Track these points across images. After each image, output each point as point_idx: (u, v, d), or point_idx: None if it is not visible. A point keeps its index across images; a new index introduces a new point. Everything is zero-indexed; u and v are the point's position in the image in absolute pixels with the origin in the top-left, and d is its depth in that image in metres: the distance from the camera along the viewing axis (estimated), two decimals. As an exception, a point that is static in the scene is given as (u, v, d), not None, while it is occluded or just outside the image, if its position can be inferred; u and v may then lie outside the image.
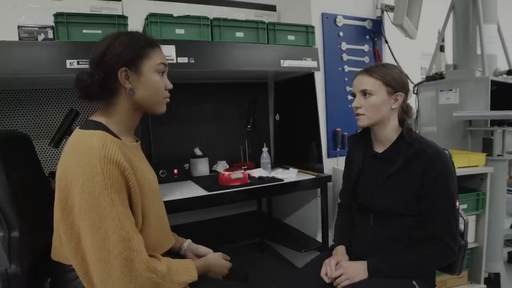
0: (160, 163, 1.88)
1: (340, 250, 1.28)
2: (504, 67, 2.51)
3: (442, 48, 2.72)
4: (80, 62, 1.35)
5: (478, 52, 2.36)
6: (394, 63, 2.26)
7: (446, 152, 1.19)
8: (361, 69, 1.23)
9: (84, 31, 1.39)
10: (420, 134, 1.23)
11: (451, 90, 2.28)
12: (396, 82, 1.17)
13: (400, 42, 2.37)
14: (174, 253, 1.18)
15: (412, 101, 2.18)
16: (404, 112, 1.23)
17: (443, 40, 2.69)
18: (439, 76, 2.43)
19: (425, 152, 1.12)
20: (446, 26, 2.58)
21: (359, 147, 1.32)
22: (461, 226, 1.20)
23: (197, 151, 2.03)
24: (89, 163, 0.80)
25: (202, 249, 1.19)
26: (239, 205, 2.46)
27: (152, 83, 0.95)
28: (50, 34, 1.39)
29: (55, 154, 1.81)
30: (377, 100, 1.16)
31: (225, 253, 1.19)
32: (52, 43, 1.35)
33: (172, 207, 1.45)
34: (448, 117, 2.26)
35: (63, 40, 1.36)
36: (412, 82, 2.23)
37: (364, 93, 1.18)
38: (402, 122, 1.21)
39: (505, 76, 2.41)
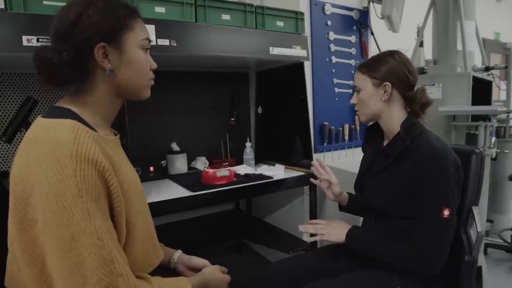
0: (134, 160, 1.66)
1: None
2: (478, 63, 2.55)
3: (421, 44, 2.72)
4: (40, 40, 1.12)
5: (459, 48, 2.37)
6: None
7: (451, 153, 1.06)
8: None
9: (45, 2, 1.16)
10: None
11: (433, 85, 2.27)
12: (382, 72, 1.08)
13: (382, 35, 2.32)
14: (163, 266, 1.00)
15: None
16: (409, 101, 1.13)
17: (422, 36, 2.69)
18: (421, 71, 2.41)
19: (419, 150, 1.01)
20: (426, 22, 2.57)
21: (372, 140, 1.24)
22: (472, 238, 1.07)
23: (175, 147, 1.84)
24: (57, 162, 0.61)
25: (196, 260, 1.02)
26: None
27: (137, 61, 0.77)
28: (1, 4, 1.14)
29: (8, 151, 1.55)
30: (364, 94, 1.12)
31: (200, 257, 1.04)
32: (4, 15, 1.10)
33: (152, 211, 1.28)
34: (431, 112, 2.24)
35: (18, 11, 1.12)
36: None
37: (357, 90, 1.15)
38: (416, 113, 1.11)
39: (483, 72, 2.44)
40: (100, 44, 0.71)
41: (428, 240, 0.97)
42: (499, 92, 3.52)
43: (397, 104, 1.11)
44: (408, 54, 2.63)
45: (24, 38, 1.10)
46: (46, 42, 1.11)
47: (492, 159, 2.28)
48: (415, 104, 1.11)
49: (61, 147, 0.62)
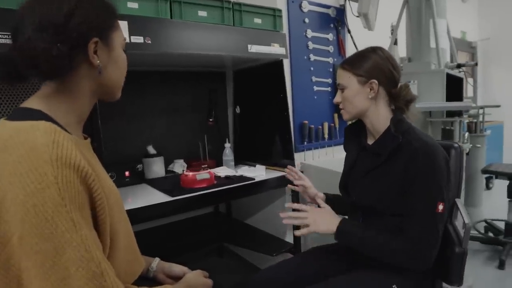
0: (108, 164, 1.57)
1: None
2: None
3: (395, 42, 2.76)
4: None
5: (432, 45, 2.42)
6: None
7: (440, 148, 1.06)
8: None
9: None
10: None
11: (409, 82, 2.30)
12: (367, 70, 1.06)
13: (358, 33, 2.33)
14: (140, 276, 0.94)
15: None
16: (394, 98, 1.12)
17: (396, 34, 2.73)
18: (395, 69, 2.45)
19: (411, 146, 1.00)
20: (400, 20, 2.61)
21: (354, 139, 1.21)
22: (461, 232, 1.06)
23: (151, 149, 1.76)
24: (34, 169, 0.55)
25: (176, 268, 0.98)
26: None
27: (121, 60, 0.76)
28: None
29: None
30: (349, 92, 1.10)
31: (179, 263, 1.00)
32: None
33: (129, 218, 1.21)
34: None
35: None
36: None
37: (340, 87, 1.12)
38: (400, 110, 1.10)
39: (454, 69, 2.51)
40: (94, 39, 0.67)
41: (424, 235, 0.96)
42: (466, 88, 3.64)
43: (383, 101, 1.09)
44: (383, 52, 2.68)
45: (-19, 34, 1.00)
46: (4, 38, 1.02)
47: (465, 153, 2.34)
48: (400, 100, 1.10)
49: (38, 152, 0.55)
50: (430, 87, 2.20)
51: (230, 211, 2.34)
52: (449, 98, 2.20)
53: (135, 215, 1.20)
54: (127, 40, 1.24)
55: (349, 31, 2.17)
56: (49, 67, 0.63)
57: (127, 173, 1.60)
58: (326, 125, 2.05)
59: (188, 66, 1.94)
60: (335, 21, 2.08)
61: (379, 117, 1.09)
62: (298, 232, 1.08)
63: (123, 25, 1.22)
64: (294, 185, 1.37)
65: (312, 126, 1.99)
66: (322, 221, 1.08)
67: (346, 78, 1.10)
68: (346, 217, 1.20)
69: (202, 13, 1.47)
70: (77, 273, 0.55)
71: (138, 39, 1.27)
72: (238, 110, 2.13)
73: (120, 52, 0.75)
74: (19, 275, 0.56)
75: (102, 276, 0.57)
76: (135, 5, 1.30)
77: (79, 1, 0.66)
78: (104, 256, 0.62)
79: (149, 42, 1.29)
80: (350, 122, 1.24)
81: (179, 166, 1.86)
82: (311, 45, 1.97)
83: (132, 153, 1.76)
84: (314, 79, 2.00)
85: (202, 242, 1.95)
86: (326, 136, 2.05)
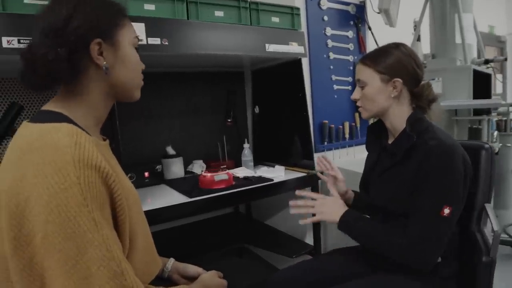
0: (128, 165, 1.59)
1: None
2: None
3: (418, 38, 2.67)
4: (22, 41, 1.05)
5: (457, 41, 2.33)
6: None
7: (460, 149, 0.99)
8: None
9: (25, 1, 1.09)
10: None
11: (433, 79, 2.22)
12: (391, 67, 1.01)
13: (379, 30, 2.26)
14: (156, 276, 0.95)
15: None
16: (416, 97, 1.08)
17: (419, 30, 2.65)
18: (419, 66, 2.37)
19: (426, 145, 0.95)
20: (423, 15, 2.52)
21: (375, 139, 1.17)
22: (490, 239, 1.00)
23: (170, 150, 1.77)
24: (58, 170, 0.56)
25: (191, 268, 0.98)
26: (213, 207, 2.21)
27: (131, 59, 0.74)
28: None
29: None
30: (370, 90, 1.04)
31: (200, 263, 1.00)
32: (-18, 15, 1.03)
33: (148, 219, 1.21)
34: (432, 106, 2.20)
35: (-3, 11, 1.05)
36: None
37: (360, 84, 1.07)
38: (422, 109, 1.06)
39: (482, 65, 2.40)
40: (96, 40, 0.67)
41: (422, 234, 0.91)
42: (495, 85, 3.49)
43: (405, 100, 1.05)
44: (406, 49, 2.60)
45: (4, 39, 1.03)
46: (28, 43, 1.04)
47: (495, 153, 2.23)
48: (423, 100, 1.05)
49: (61, 153, 0.57)
50: (455, 84, 2.11)
51: (250, 211, 2.32)
52: (476, 96, 2.11)
53: (154, 216, 1.21)
54: (144, 42, 1.24)
55: (369, 28, 2.12)
56: (45, 71, 0.63)
57: (146, 174, 1.61)
58: (346, 124, 2.00)
59: (207, 66, 1.94)
60: (355, 18, 2.04)
61: (399, 117, 1.05)
62: (303, 221, 1.08)
63: (140, 26, 1.23)
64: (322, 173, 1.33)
65: (333, 125, 1.95)
66: (328, 211, 1.07)
67: (368, 75, 1.05)
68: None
69: (219, 13, 1.46)
70: (99, 272, 0.56)
71: (155, 41, 1.27)
72: (257, 110, 2.11)
73: (128, 50, 0.73)
74: (42, 273, 0.57)
75: (123, 275, 0.58)
76: (151, 7, 1.31)
77: (79, 4, 0.66)
78: (123, 255, 0.62)
79: (166, 43, 1.29)
80: (372, 121, 1.20)
81: (198, 167, 1.86)
82: (330, 43, 1.93)
83: (152, 154, 1.77)
84: (334, 77, 1.96)
85: (221, 242, 1.95)
86: (347, 136, 2.01)
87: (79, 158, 0.57)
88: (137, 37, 0.76)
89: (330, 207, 1.08)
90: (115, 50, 0.71)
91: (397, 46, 1.05)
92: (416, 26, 2.55)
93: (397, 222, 1.02)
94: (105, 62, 0.68)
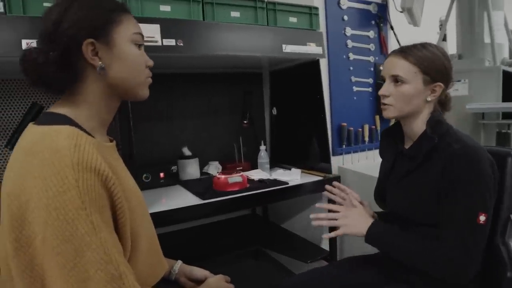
0: (143, 166, 1.61)
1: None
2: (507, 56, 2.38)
3: (444, 38, 2.57)
4: (40, 43, 1.07)
5: (486, 40, 2.22)
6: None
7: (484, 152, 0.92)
8: (395, 49, 1.02)
9: (45, 3, 1.11)
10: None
11: (459, 81, 2.12)
12: (436, 69, 0.95)
13: (402, 30, 2.18)
14: (163, 278, 0.95)
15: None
16: (442, 104, 1.02)
17: (445, 29, 2.54)
18: (445, 66, 2.27)
19: (450, 148, 0.90)
20: (449, 14, 2.43)
21: (390, 143, 1.12)
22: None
23: (186, 151, 1.77)
24: (57, 173, 0.56)
25: (198, 271, 0.97)
26: (230, 208, 2.21)
27: (129, 56, 0.71)
28: (1, 7, 1.11)
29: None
30: (410, 90, 0.96)
31: (216, 265, 1.01)
32: (3, 18, 1.06)
33: (159, 219, 1.21)
34: (457, 110, 2.10)
35: (18, 14, 1.08)
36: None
37: (396, 79, 0.97)
38: (439, 111, 1.01)
39: (513, 66, 2.28)
40: (87, 40, 0.66)
41: (460, 244, 0.85)
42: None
43: (431, 105, 1.00)
44: (431, 49, 2.50)
45: (24, 41, 1.05)
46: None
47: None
48: (446, 107, 1.02)
49: (60, 156, 0.57)
50: (483, 86, 2.01)
51: (267, 214, 2.30)
52: (505, 98, 2.00)
53: (165, 217, 1.22)
54: (159, 43, 1.25)
55: (392, 28, 2.04)
56: (36, 75, 0.64)
57: (161, 175, 1.62)
58: (366, 127, 1.94)
59: (225, 67, 1.93)
60: (377, 17, 1.97)
61: (421, 120, 1.00)
62: (326, 236, 1.03)
63: (155, 28, 1.24)
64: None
65: (352, 128, 1.89)
66: (353, 223, 1.00)
67: (410, 73, 0.95)
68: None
69: (235, 14, 1.45)
70: (96, 275, 0.55)
71: (170, 42, 1.27)
72: (274, 111, 2.08)
73: (125, 48, 0.71)
74: (43, 275, 0.58)
75: (121, 278, 0.57)
76: (167, 8, 1.31)
77: (69, 5, 0.66)
78: (124, 259, 0.62)
79: (181, 44, 1.29)
80: (388, 126, 1.15)
81: (214, 168, 1.86)
82: (350, 44, 1.88)
83: (169, 155, 1.78)
84: (353, 79, 1.90)
85: (237, 244, 1.94)
86: (366, 139, 1.95)
87: (78, 161, 0.56)
88: (138, 33, 0.73)
89: (354, 219, 1.01)
90: (110, 48, 0.69)
91: (436, 47, 0.99)
92: (442, 25, 2.45)
93: (417, 231, 0.97)
94: (100, 62, 0.67)
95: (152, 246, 0.78)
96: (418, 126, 1.00)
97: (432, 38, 2.55)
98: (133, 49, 0.72)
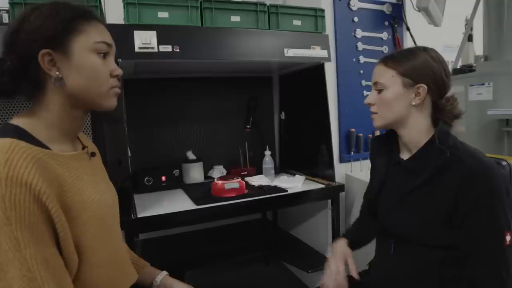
0: (146, 169, 1.64)
1: (340, 244, 1.09)
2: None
3: (470, 38, 2.41)
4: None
5: (515, 40, 2.06)
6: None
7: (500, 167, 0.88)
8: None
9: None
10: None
11: (483, 84, 1.98)
12: (417, 70, 0.89)
13: (422, 30, 2.07)
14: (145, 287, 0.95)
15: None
16: (439, 110, 0.94)
17: (471, 29, 2.39)
18: (468, 69, 2.13)
19: (464, 164, 0.82)
20: (475, 12, 2.27)
21: (383, 152, 1.05)
22: None
23: (190, 155, 1.78)
24: None
25: (179, 286, 0.94)
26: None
27: (87, 67, 0.69)
28: (6, 18, 1.16)
29: None
30: (389, 95, 0.92)
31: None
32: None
33: (147, 224, 1.22)
34: (480, 115, 1.97)
35: None
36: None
37: (377, 86, 0.94)
38: (445, 123, 0.93)
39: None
40: (43, 50, 0.65)
41: (493, 277, 0.80)
42: None
43: (426, 111, 0.92)
44: (455, 50, 2.36)
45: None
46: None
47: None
48: (445, 114, 0.92)
49: None
50: (509, 90, 1.87)
51: (276, 219, 2.27)
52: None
53: (154, 222, 1.22)
54: (155, 49, 1.26)
55: (408, 29, 1.94)
56: None
57: (163, 178, 1.63)
58: (377, 134, 1.86)
59: (232, 71, 1.92)
60: (391, 18, 1.88)
61: (417, 128, 0.93)
62: None
63: (150, 35, 1.25)
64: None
65: (361, 134, 1.82)
66: None
67: (388, 77, 0.92)
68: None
69: (235, 18, 1.44)
70: None
71: (166, 48, 1.28)
72: (283, 116, 2.05)
73: (84, 57, 0.69)
74: None
75: None
76: (165, 15, 1.32)
77: (29, 15, 0.66)
78: (59, 275, 0.60)
79: (177, 50, 1.29)
80: (378, 132, 1.09)
81: (218, 173, 1.85)
82: (360, 46, 1.80)
83: (173, 158, 1.80)
84: (364, 83, 1.83)
85: (247, 249, 1.93)
86: (377, 145, 1.86)
87: (7, 176, 0.55)
88: (102, 42, 0.71)
89: None
90: (68, 58, 0.68)
91: (425, 49, 0.93)
92: (468, 24, 2.30)
93: (417, 253, 0.91)
94: (58, 73, 0.67)
95: (115, 258, 0.77)
96: (413, 135, 0.94)
97: (456, 38, 2.41)
98: (93, 58, 0.70)
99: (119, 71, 0.75)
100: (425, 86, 0.89)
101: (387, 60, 0.94)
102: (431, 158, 0.88)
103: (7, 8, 1.15)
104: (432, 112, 0.94)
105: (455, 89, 2.08)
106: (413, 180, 0.92)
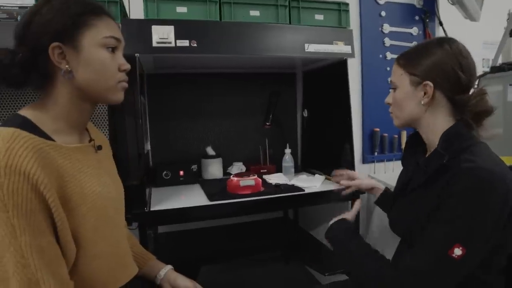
0: (165, 163, 1.66)
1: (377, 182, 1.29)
2: None
3: (511, 33, 2.23)
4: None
5: None
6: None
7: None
8: None
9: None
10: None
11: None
12: (423, 67, 0.84)
13: (457, 25, 1.94)
14: (148, 281, 0.96)
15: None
16: (459, 107, 0.85)
17: (514, 23, 2.21)
18: (508, 67, 1.97)
19: (459, 167, 0.75)
20: (519, 5, 2.10)
21: (413, 151, 1.01)
22: None
23: (210, 151, 1.79)
24: None
25: (181, 281, 0.95)
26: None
27: (96, 61, 0.71)
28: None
29: None
30: (398, 94, 0.90)
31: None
32: None
33: (160, 217, 1.23)
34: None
35: None
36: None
37: (392, 85, 0.93)
38: (466, 123, 0.84)
39: None
40: (54, 43, 0.67)
41: (420, 272, 0.74)
42: None
43: (443, 109, 0.86)
44: (495, 46, 2.20)
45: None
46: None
47: None
48: (466, 111, 0.84)
49: None
50: (554, 90, 1.71)
51: (297, 218, 2.23)
52: None
53: (167, 216, 1.23)
54: (172, 44, 1.26)
55: (441, 24, 1.83)
56: (2, 77, 0.66)
57: (181, 173, 1.65)
58: (404, 134, 1.77)
59: (254, 67, 1.90)
60: (422, 12, 1.78)
61: (436, 129, 0.86)
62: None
63: (168, 30, 1.25)
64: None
65: (386, 134, 1.74)
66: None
67: (398, 76, 0.90)
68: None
69: (255, 13, 1.41)
70: (14, 277, 0.57)
71: (183, 43, 1.28)
72: (305, 113, 2.00)
73: (93, 51, 0.71)
74: None
75: (38, 284, 0.58)
76: (184, 9, 1.32)
77: (41, 7, 0.67)
78: (55, 263, 0.61)
79: (195, 45, 1.29)
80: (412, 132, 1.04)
81: (237, 169, 1.84)
82: (388, 42, 1.73)
83: (192, 154, 1.81)
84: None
85: (263, 247, 1.92)
86: (403, 147, 1.78)
87: (6, 164, 0.57)
88: (111, 36, 0.72)
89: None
90: (77, 52, 0.69)
91: (440, 42, 0.86)
92: (510, 18, 2.13)
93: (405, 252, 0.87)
94: (67, 66, 0.68)
95: (116, 250, 0.77)
96: (434, 136, 0.88)
97: (496, 33, 2.24)
98: (102, 53, 0.72)
99: (127, 66, 0.77)
100: (431, 84, 0.83)
101: (399, 58, 0.91)
102: (433, 161, 0.83)
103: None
104: (452, 110, 0.86)
105: (492, 88, 1.94)
106: (417, 181, 0.89)
